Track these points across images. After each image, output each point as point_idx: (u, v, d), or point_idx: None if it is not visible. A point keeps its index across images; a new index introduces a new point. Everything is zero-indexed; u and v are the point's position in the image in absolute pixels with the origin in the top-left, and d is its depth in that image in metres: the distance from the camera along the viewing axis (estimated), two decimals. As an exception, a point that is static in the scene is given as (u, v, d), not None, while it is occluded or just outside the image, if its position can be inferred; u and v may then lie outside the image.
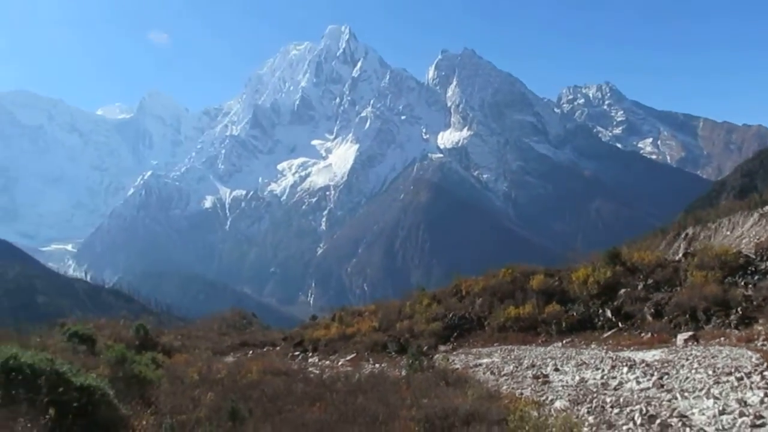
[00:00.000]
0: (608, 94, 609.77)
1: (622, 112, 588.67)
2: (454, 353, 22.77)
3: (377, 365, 22.11)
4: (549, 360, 17.62)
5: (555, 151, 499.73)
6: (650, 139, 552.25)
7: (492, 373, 17.07)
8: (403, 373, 17.99)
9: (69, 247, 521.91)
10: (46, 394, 9.36)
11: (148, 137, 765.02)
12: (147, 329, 30.04)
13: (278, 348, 33.65)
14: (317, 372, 19.98)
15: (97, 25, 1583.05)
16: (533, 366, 17.04)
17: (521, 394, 13.51)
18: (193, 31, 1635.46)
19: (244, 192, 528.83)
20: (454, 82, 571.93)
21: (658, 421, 9.95)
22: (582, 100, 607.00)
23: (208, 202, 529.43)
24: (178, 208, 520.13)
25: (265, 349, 33.61)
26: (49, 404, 9.23)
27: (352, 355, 26.08)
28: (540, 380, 15.00)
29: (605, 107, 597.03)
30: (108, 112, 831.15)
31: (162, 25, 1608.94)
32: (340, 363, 24.28)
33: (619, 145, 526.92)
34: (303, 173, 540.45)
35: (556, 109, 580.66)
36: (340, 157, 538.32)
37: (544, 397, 12.88)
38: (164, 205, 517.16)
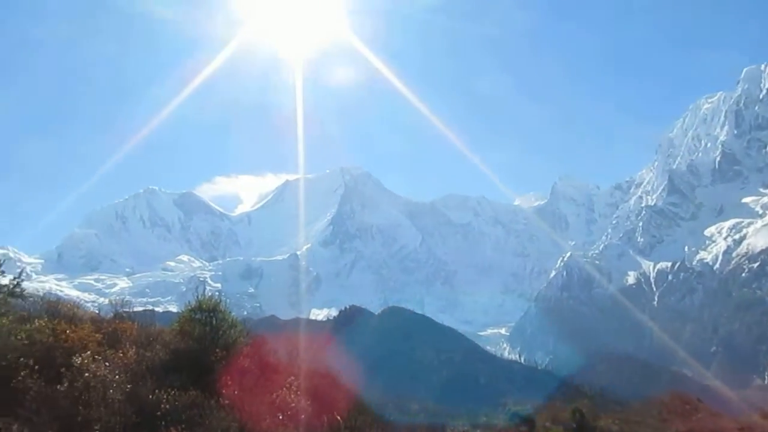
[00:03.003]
0: None
1: None
2: None
3: None
4: None
5: None
6: None
7: None
8: None
9: (502, 331, 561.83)
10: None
11: (563, 220, 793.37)
12: (583, 412, 29.86)
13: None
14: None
15: (511, 121, 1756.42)
16: None
17: None
18: (592, 109, 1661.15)
19: (669, 264, 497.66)
20: None
21: None
22: None
23: (631, 278, 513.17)
24: (600, 287, 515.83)
25: (717, 439, 29.87)
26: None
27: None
28: None
29: None
30: (524, 202, 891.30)
31: (564, 110, 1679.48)
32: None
33: None
34: (737, 236, 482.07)
35: None
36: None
37: None
38: (586, 285, 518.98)
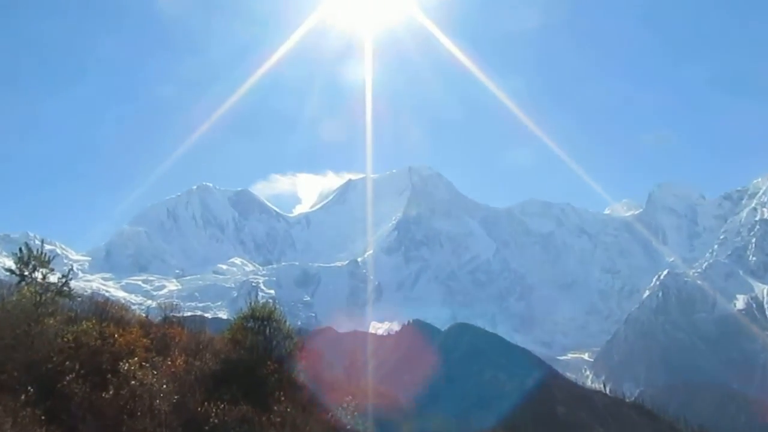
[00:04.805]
0: None
1: None
2: None
3: None
4: None
5: None
6: None
7: None
8: None
9: (585, 356, 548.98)
10: None
11: (661, 232, 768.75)
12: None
13: None
14: None
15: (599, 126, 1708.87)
16: None
17: None
18: (699, 108, 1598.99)
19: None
20: None
21: None
22: None
23: (740, 303, 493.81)
24: (702, 311, 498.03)
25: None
26: None
27: None
28: None
29: None
30: (615, 211, 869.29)
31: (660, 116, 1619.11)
32: None
33: None
34: None
35: None
36: None
37: None
38: (685, 308, 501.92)
